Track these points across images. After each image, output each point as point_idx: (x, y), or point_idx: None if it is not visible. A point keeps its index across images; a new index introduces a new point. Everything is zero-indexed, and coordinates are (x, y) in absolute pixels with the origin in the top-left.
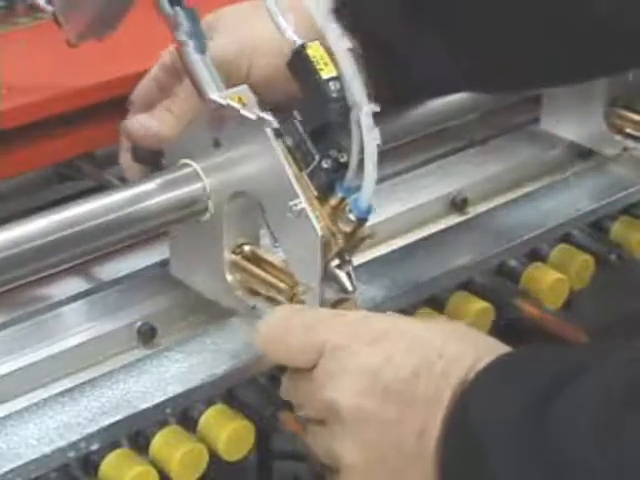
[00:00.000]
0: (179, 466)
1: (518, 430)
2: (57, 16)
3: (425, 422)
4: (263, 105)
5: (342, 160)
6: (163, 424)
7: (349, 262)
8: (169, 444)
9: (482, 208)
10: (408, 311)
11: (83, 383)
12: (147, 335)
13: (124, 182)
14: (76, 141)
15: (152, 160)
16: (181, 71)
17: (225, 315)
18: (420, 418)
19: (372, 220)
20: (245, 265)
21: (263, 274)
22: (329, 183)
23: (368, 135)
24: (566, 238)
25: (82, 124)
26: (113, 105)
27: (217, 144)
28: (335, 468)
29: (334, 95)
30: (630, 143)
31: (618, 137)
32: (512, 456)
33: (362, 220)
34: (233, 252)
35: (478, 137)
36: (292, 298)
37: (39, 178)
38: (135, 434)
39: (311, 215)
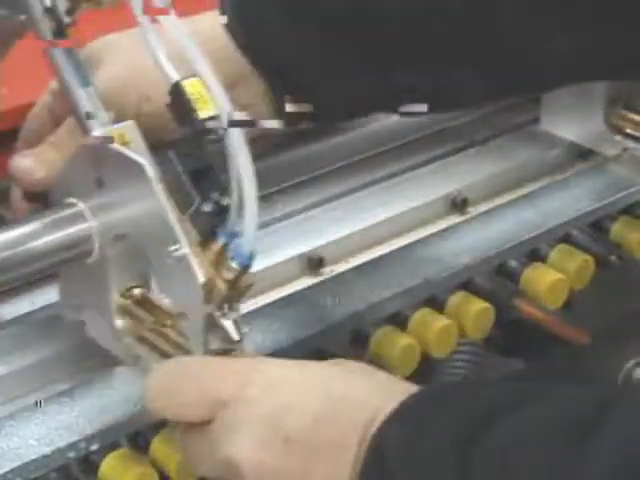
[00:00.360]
0: (179, 466)
1: (440, 475)
2: None
3: (333, 471)
4: (152, 141)
5: (224, 203)
6: (163, 424)
7: (235, 310)
8: (169, 444)
9: (482, 208)
10: (408, 311)
11: (83, 384)
12: None
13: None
14: None
15: (42, 199)
16: None
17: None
18: (327, 468)
19: (373, 220)
20: (134, 310)
21: (152, 320)
22: (210, 228)
23: (246, 176)
24: (566, 238)
25: None
26: (5, 137)
27: (100, 183)
28: None
29: (212, 136)
30: (630, 143)
31: (618, 137)
32: None
33: (244, 267)
34: (122, 296)
35: (478, 137)
36: (179, 347)
37: None
38: (135, 434)
39: (192, 261)
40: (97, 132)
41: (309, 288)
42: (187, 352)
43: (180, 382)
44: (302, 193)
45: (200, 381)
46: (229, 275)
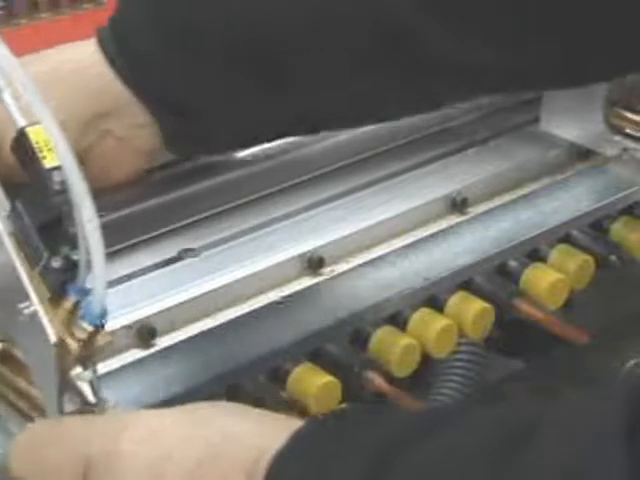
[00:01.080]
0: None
1: None
2: None
3: None
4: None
5: (74, 258)
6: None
7: (93, 370)
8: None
9: (482, 208)
10: (408, 311)
11: None
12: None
13: None
14: None
15: None
16: None
17: None
18: None
19: (373, 220)
20: None
21: (10, 376)
22: (60, 284)
23: (90, 232)
24: (566, 238)
25: None
26: None
27: None
28: None
29: (56, 187)
30: (630, 143)
31: (618, 137)
32: None
33: (97, 326)
34: None
35: (478, 137)
36: (37, 407)
37: None
38: None
39: (43, 320)
40: None
41: (309, 288)
42: (43, 414)
43: (44, 447)
44: (302, 193)
45: (65, 443)
46: (81, 334)
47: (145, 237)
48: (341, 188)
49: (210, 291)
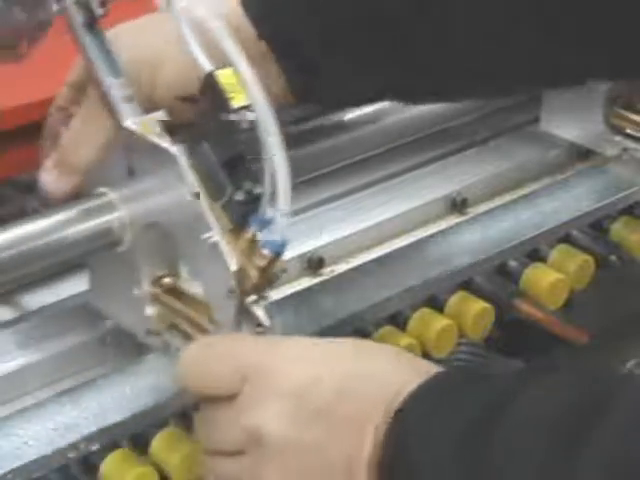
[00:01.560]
0: (179, 466)
1: (456, 457)
2: None
3: (354, 445)
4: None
5: (256, 192)
6: (163, 424)
7: (265, 297)
8: (169, 444)
9: (482, 208)
10: (408, 311)
11: (83, 383)
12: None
13: (46, 207)
14: None
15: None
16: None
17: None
18: (349, 441)
19: (373, 220)
20: (164, 298)
21: (182, 308)
22: (242, 216)
23: (279, 166)
24: (566, 238)
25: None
26: (34, 129)
27: (131, 173)
28: None
29: (244, 125)
30: (630, 143)
31: (618, 137)
32: None
33: (276, 254)
34: (152, 284)
35: (478, 137)
36: (209, 334)
37: None
38: (135, 434)
39: (224, 249)
40: (128, 123)
41: (309, 288)
42: None
43: (209, 358)
44: (302, 193)
45: (228, 356)
46: (260, 262)
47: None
48: (341, 189)
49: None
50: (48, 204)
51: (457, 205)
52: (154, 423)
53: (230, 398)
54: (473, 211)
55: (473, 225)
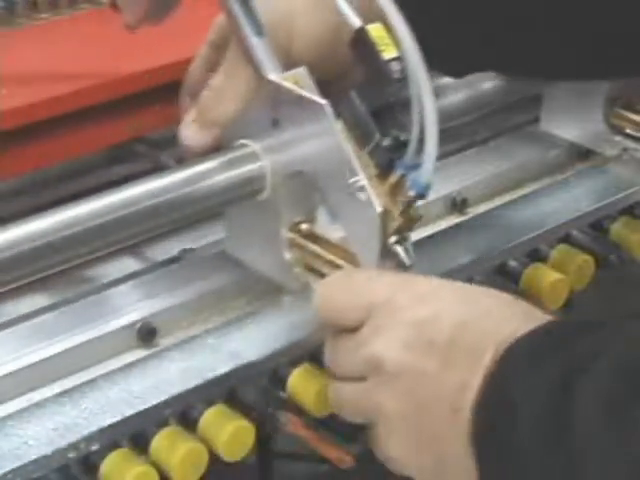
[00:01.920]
0: (179, 466)
1: (549, 402)
2: (115, 1)
3: (465, 377)
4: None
5: (402, 138)
6: (163, 424)
7: (407, 238)
8: (169, 444)
9: (482, 208)
10: None
11: (83, 383)
12: (147, 335)
13: (179, 163)
14: (128, 125)
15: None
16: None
17: (228, 313)
18: (461, 373)
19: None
20: (303, 243)
21: (321, 251)
22: (389, 161)
23: (429, 112)
24: (566, 238)
25: (134, 109)
26: (165, 90)
27: (276, 124)
28: (372, 422)
29: (396, 75)
30: (630, 143)
31: (618, 137)
32: (539, 430)
33: (421, 196)
34: (291, 230)
35: (478, 137)
36: None
37: (92, 161)
38: (135, 434)
39: (371, 192)
40: (273, 77)
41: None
42: None
43: (339, 290)
44: None
45: (357, 289)
46: (404, 204)
47: None
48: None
49: None
50: (182, 160)
51: (457, 205)
52: (155, 422)
53: (356, 329)
54: (473, 211)
55: (473, 225)
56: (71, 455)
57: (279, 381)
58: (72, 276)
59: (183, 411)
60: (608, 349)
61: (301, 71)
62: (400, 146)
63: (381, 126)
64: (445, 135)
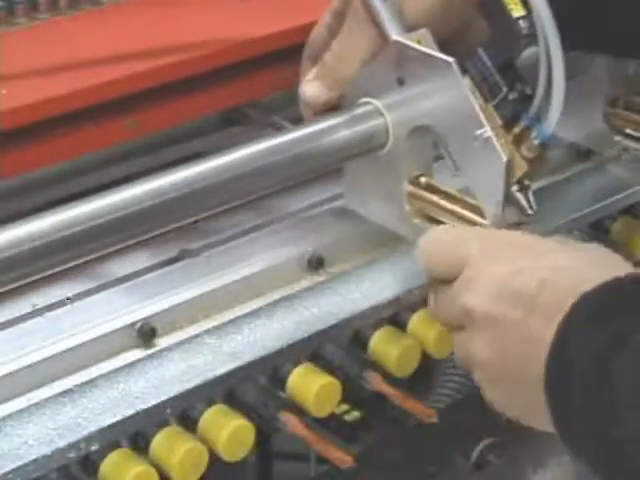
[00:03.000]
0: (179, 466)
1: (599, 362)
2: None
3: (545, 328)
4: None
5: (528, 92)
6: (163, 424)
7: (529, 187)
8: (169, 444)
9: None
10: (408, 311)
11: (83, 383)
12: (147, 335)
13: (294, 124)
14: (242, 89)
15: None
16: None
17: (229, 315)
18: (541, 323)
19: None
20: (424, 195)
21: (442, 202)
22: (515, 113)
23: (557, 66)
24: None
25: (245, 75)
26: (274, 56)
27: (401, 82)
28: (471, 368)
29: (524, 32)
30: (630, 143)
31: (618, 137)
32: (586, 384)
33: (545, 145)
34: (410, 183)
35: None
36: (473, 223)
37: (206, 123)
38: (135, 434)
39: (496, 143)
40: (398, 37)
41: (309, 288)
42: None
43: (443, 243)
44: (302, 194)
45: (452, 243)
46: (529, 154)
47: None
48: (341, 189)
49: None
50: (298, 122)
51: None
52: (154, 422)
53: (452, 281)
54: None
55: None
56: (71, 455)
57: (279, 381)
58: (72, 276)
59: (183, 411)
60: None
61: (424, 32)
62: (525, 99)
63: (507, 81)
64: None
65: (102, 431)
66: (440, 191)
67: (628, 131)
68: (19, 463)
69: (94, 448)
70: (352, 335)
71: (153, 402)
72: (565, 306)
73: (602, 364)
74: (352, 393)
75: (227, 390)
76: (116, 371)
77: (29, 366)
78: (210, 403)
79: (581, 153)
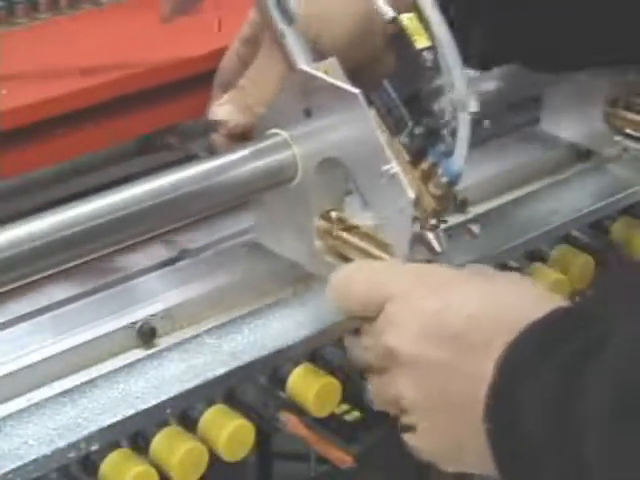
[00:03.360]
0: (179, 466)
1: (551, 398)
2: None
3: (478, 367)
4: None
5: (434, 126)
6: (163, 424)
7: (438, 225)
8: (169, 444)
9: (482, 208)
10: None
11: (83, 383)
12: (147, 335)
13: (210, 153)
14: (159, 115)
15: (242, 138)
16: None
17: (229, 312)
18: (475, 363)
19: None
20: (333, 230)
21: (351, 239)
22: (421, 148)
23: (462, 100)
24: (566, 238)
25: (165, 99)
26: (198, 80)
27: (308, 113)
28: (400, 411)
29: (428, 64)
30: (630, 143)
31: (618, 137)
32: (545, 422)
33: (453, 183)
34: (321, 218)
35: (478, 137)
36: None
37: (123, 151)
38: (135, 434)
39: (403, 179)
40: (305, 67)
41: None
42: None
43: (360, 279)
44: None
45: (373, 280)
46: (436, 191)
47: None
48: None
49: None
50: (211, 151)
51: (457, 205)
52: (154, 422)
53: (372, 319)
54: (473, 211)
55: (473, 225)
56: (71, 455)
57: (279, 381)
58: (72, 276)
59: (183, 411)
60: (614, 336)
61: (332, 61)
62: (432, 133)
63: (414, 114)
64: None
65: (102, 431)
66: (351, 227)
67: (628, 131)
68: (19, 463)
69: (94, 448)
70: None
71: (153, 402)
72: (497, 343)
73: (561, 411)
74: (352, 393)
75: (227, 390)
76: (116, 371)
77: (29, 366)
78: (210, 403)
79: (581, 153)
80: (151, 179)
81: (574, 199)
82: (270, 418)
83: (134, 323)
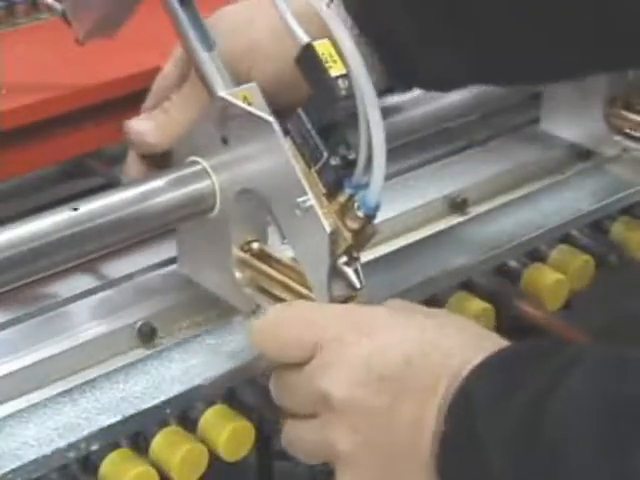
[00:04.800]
0: (179, 466)
1: (518, 433)
2: (66, 14)
3: (418, 412)
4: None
5: (350, 157)
6: (163, 424)
7: (357, 259)
8: (169, 444)
9: (482, 208)
10: None
11: (83, 383)
12: (147, 335)
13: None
14: (82, 140)
15: (157, 163)
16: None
17: (228, 314)
18: (414, 408)
19: (378, 218)
20: (254, 262)
21: (272, 272)
22: (337, 180)
23: (376, 131)
24: (566, 238)
25: (88, 123)
26: (121, 103)
27: (225, 142)
28: (330, 460)
29: (343, 93)
30: (630, 143)
31: (618, 137)
32: (511, 462)
33: (370, 217)
34: (241, 249)
35: (478, 137)
36: (301, 296)
37: (46, 176)
38: (135, 434)
39: (319, 212)
40: (222, 93)
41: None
42: (309, 299)
43: (286, 324)
44: None
45: (305, 323)
46: (354, 225)
47: None
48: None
49: None
50: (131, 174)
51: (457, 205)
52: (155, 422)
53: (302, 364)
54: (473, 211)
55: (473, 225)
56: (71, 455)
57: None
58: (72, 276)
59: (183, 411)
60: (568, 373)
61: (252, 87)
62: (349, 165)
63: (329, 144)
64: (445, 135)
65: (102, 431)
66: (271, 259)
67: (628, 131)
68: (19, 463)
69: (94, 448)
70: None
71: (153, 402)
72: (438, 385)
73: (527, 435)
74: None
75: (227, 390)
76: (116, 371)
77: (29, 366)
78: (210, 403)
79: (581, 153)
80: (63, 209)
81: (574, 199)
82: (270, 418)
83: (134, 323)
